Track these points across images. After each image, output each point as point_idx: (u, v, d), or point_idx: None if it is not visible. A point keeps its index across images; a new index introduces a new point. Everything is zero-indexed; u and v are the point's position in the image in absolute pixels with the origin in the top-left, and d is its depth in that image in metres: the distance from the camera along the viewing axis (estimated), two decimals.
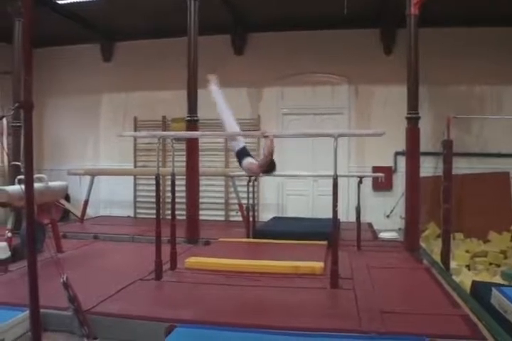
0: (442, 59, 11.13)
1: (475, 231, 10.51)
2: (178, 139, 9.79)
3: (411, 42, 8.42)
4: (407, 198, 8.70)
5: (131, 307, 5.02)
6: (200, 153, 9.64)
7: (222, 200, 12.83)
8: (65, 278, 4.39)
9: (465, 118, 10.45)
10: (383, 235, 10.15)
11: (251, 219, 9.60)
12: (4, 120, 10.44)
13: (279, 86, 12.53)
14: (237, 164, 12.06)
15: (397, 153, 11.67)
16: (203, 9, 9.13)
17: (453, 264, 8.81)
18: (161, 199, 6.88)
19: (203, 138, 10.63)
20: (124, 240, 9.64)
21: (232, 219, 12.68)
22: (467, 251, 9.83)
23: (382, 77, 11.68)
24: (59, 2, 10.59)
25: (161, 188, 6.89)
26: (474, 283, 6.63)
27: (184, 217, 9.23)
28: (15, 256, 6.77)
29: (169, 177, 7.00)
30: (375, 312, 4.95)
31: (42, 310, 3.96)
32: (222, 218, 12.78)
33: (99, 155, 13.64)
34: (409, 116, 8.46)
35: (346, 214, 11.23)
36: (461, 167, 10.65)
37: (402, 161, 10.35)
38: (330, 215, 6.05)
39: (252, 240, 9.25)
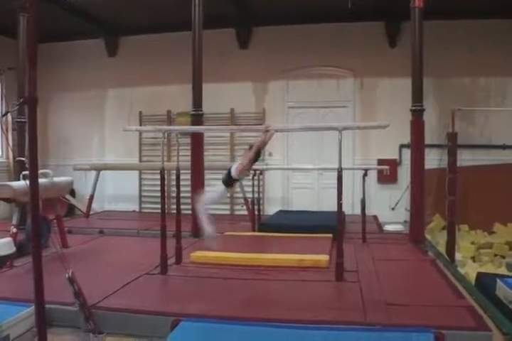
0: (447, 51, 11.10)
1: (480, 223, 10.52)
2: (183, 133, 9.80)
3: (416, 35, 8.40)
4: (412, 190, 8.69)
5: (136, 302, 5.03)
6: (205, 147, 9.64)
7: (228, 194, 12.80)
8: (70, 274, 4.40)
9: (469, 111, 10.45)
10: (388, 227, 10.17)
11: (256, 212, 9.61)
12: (9, 115, 10.44)
13: (284, 79, 12.52)
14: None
15: (402, 146, 11.67)
16: (207, 3, 9.10)
17: (458, 256, 8.82)
18: (166, 194, 6.87)
19: (207, 133, 10.63)
20: (130, 235, 9.65)
21: (237, 212, 12.69)
22: (472, 243, 9.83)
23: (387, 69, 11.68)
24: None
25: (166, 182, 6.89)
26: (479, 275, 6.64)
27: (189, 211, 9.23)
28: (20, 251, 6.76)
29: (174, 171, 7.01)
30: (380, 305, 4.95)
31: (47, 306, 3.98)
32: (228, 212, 12.78)
33: (105, 150, 13.67)
34: (413, 108, 8.45)
35: (351, 207, 11.24)
36: (466, 159, 10.64)
37: (407, 154, 10.37)
38: (335, 208, 6.05)
39: (257, 234, 9.27)
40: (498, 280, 5.65)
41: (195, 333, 4.25)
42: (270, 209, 12.17)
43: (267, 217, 10.83)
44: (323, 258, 6.83)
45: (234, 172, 5.97)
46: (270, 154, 12.39)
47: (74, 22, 12.00)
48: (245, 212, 11.59)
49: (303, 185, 12.48)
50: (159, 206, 6.66)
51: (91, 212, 12.18)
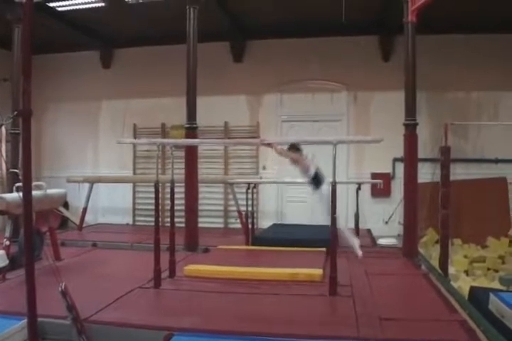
0: (440, 66, 11.20)
1: (473, 237, 10.52)
2: (177, 146, 9.80)
3: (409, 49, 8.45)
4: (405, 204, 8.70)
5: (129, 316, 5.01)
6: (199, 160, 9.65)
7: (222, 207, 12.83)
8: (63, 287, 4.38)
9: (462, 125, 10.51)
10: (382, 241, 10.16)
11: (250, 226, 9.60)
12: (3, 127, 10.43)
13: (278, 93, 12.57)
14: (236, 171, 12.21)
15: (395, 160, 11.70)
16: (202, 16, 9.16)
17: (451, 270, 8.82)
18: (160, 207, 6.87)
19: (202, 146, 10.64)
20: (123, 248, 9.60)
21: (231, 226, 12.69)
22: (465, 257, 9.83)
23: (381, 83, 11.73)
24: (59, 9, 10.62)
25: (160, 195, 6.89)
26: (472, 289, 6.64)
27: (183, 225, 9.22)
28: (13, 264, 6.75)
29: (168, 184, 7.01)
30: (373, 319, 4.94)
31: (40, 319, 3.97)
32: (222, 225, 12.79)
33: (98, 163, 13.65)
34: (407, 122, 8.48)
35: (345, 221, 11.18)
36: (459, 173, 10.70)
37: (400, 167, 10.38)
38: (329, 222, 6.05)
39: (251, 247, 9.25)
40: (491, 295, 5.66)
41: None
42: (264, 222, 12.15)
43: (260, 230, 10.81)
44: (317, 272, 6.82)
45: (308, 175, 6.31)
46: (264, 167, 12.43)
47: (69, 34, 12.06)
48: (239, 226, 11.58)
49: (297, 199, 12.46)
50: (153, 219, 6.65)
51: (84, 225, 12.11)
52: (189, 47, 9.13)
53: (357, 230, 8.67)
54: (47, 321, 4.60)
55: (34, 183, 5.43)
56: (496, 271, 9.33)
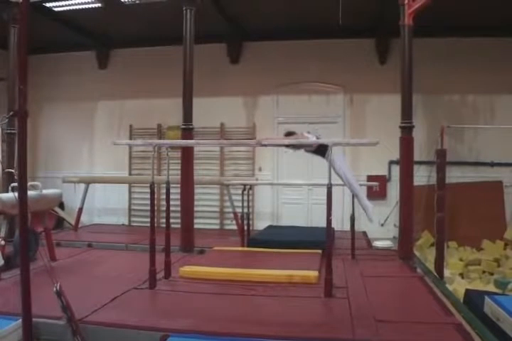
0: (436, 68, 11.22)
1: (468, 240, 10.55)
2: (173, 147, 9.79)
3: (405, 52, 8.46)
4: (401, 207, 8.71)
5: (124, 317, 5.00)
6: (195, 161, 9.65)
7: (217, 209, 12.82)
8: (58, 287, 4.37)
9: (458, 128, 10.51)
10: (377, 244, 10.16)
11: (246, 227, 9.59)
12: None
13: (274, 94, 12.56)
14: (232, 172, 12.22)
15: (391, 162, 11.70)
16: (198, 18, 9.16)
17: (446, 272, 8.83)
18: (155, 208, 6.86)
19: (198, 147, 10.64)
20: (119, 248, 9.59)
21: (227, 227, 12.67)
22: (461, 260, 9.86)
23: (377, 86, 11.74)
24: (55, 9, 10.60)
25: (155, 196, 6.88)
26: (467, 292, 6.65)
27: (179, 226, 9.22)
28: (8, 264, 6.74)
29: (164, 185, 7.01)
30: (368, 321, 4.95)
31: (34, 319, 3.95)
32: (217, 226, 12.77)
33: (94, 163, 13.62)
34: (403, 125, 8.49)
35: (341, 223, 11.24)
36: (455, 176, 10.73)
37: (396, 170, 10.38)
38: (324, 224, 6.06)
39: (246, 249, 9.23)
40: (486, 297, 5.66)
41: None
42: (260, 224, 12.14)
43: (256, 232, 10.80)
44: (313, 274, 6.82)
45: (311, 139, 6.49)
46: (260, 169, 12.43)
47: (65, 34, 12.04)
48: (235, 227, 11.57)
49: (293, 201, 12.47)
50: (149, 220, 6.64)
51: (80, 225, 12.07)
52: (185, 49, 9.12)
53: (353, 232, 8.66)
54: (42, 321, 4.59)
55: (29, 183, 5.42)
56: (491, 273, 9.35)
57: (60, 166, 13.50)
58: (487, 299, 5.59)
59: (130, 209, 13.32)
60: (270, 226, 11.45)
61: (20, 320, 3.91)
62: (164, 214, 7.14)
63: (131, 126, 13.18)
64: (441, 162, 9.08)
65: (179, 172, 9.29)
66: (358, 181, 10.68)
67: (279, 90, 12.46)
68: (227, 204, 12.19)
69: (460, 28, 10.96)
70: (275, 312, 5.39)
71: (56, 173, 12.99)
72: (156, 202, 7.05)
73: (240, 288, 6.34)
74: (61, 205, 11.88)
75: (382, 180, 11.53)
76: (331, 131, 12.01)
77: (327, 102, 12.38)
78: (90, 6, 10.40)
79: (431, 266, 8.69)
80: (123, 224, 13.13)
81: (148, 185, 6.60)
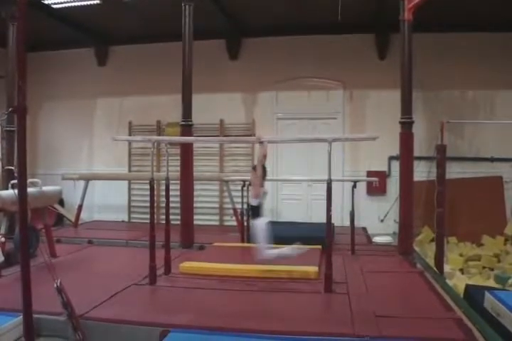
0: (436, 64, 11.20)
1: (468, 235, 10.53)
2: (172, 144, 9.79)
3: (405, 48, 8.46)
4: (400, 202, 8.72)
5: (125, 312, 5.02)
6: (194, 157, 9.64)
7: (217, 205, 12.81)
8: (58, 283, 4.37)
9: (458, 123, 10.48)
10: (377, 239, 10.17)
11: (245, 223, 9.59)
12: None
13: (273, 90, 12.53)
14: (231, 168, 12.21)
15: (391, 158, 11.69)
16: (197, 14, 9.14)
17: (447, 268, 8.81)
18: (155, 204, 6.87)
19: (197, 143, 10.63)
20: (118, 245, 9.60)
21: (226, 223, 12.66)
22: (461, 255, 9.85)
23: (377, 81, 11.71)
24: (54, 6, 10.57)
25: (155, 193, 6.88)
26: (468, 287, 6.64)
27: (178, 222, 9.22)
28: (8, 261, 6.75)
29: (163, 181, 7.01)
30: (368, 316, 4.96)
31: (35, 316, 3.96)
32: (217, 223, 12.76)
33: (94, 160, 13.61)
34: (402, 120, 8.49)
35: (341, 219, 11.22)
36: (455, 171, 10.72)
37: (396, 166, 10.38)
38: (324, 220, 6.06)
39: (246, 245, 9.23)
40: (486, 293, 5.66)
41: None
42: None
43: None
44: (312, 269, 6.84)
45: (253, 202, 6.39)
46: None
47: (64, 31, 12.00)
48: (234, 223, 11.56)
49: (292, 197, 12.47)
50: (148, 216, 6.64)
51: (80, 222, 12.09)
52: (185, 45, 9.12)
53: (352, 228, 8.66)
54: (42, 317, 4.61)
55: (29, 180, 5.42)
56: (491, 269, 9.33)
57: (60, 163, 13.48)
58: (487, 294, 5.59)
59: (130, 206, 13.31)
60: (270, 222, 11.42)
61: (21, 316, 3.91)
62: (164, 211, 7.14)
63: (130, 122, 13.16)
64: (441, 157, 9.05)
65: (179, 168, 9.29)
66: (357, 176, 10.77)
67: (278, 86, 12.44)
68: (227, 200, 12.19)
69: (460, 23, 10.93)
70: (275, 307, 5.40)
71: (56, 170, 12.95)
72: (155, 198, 7.04)
73: (240, 284, 6.36)
74: (61, 202, 11.86)
75: (382, 176, 11.54)
76: (331, 126, 12.03)
77: (326, 98, 12.35)
78: (89, 2, 10.36)
79: (431, 261, 8.68)
80: (123, 221, 13.13)
81: (148, 181, 6.61)
